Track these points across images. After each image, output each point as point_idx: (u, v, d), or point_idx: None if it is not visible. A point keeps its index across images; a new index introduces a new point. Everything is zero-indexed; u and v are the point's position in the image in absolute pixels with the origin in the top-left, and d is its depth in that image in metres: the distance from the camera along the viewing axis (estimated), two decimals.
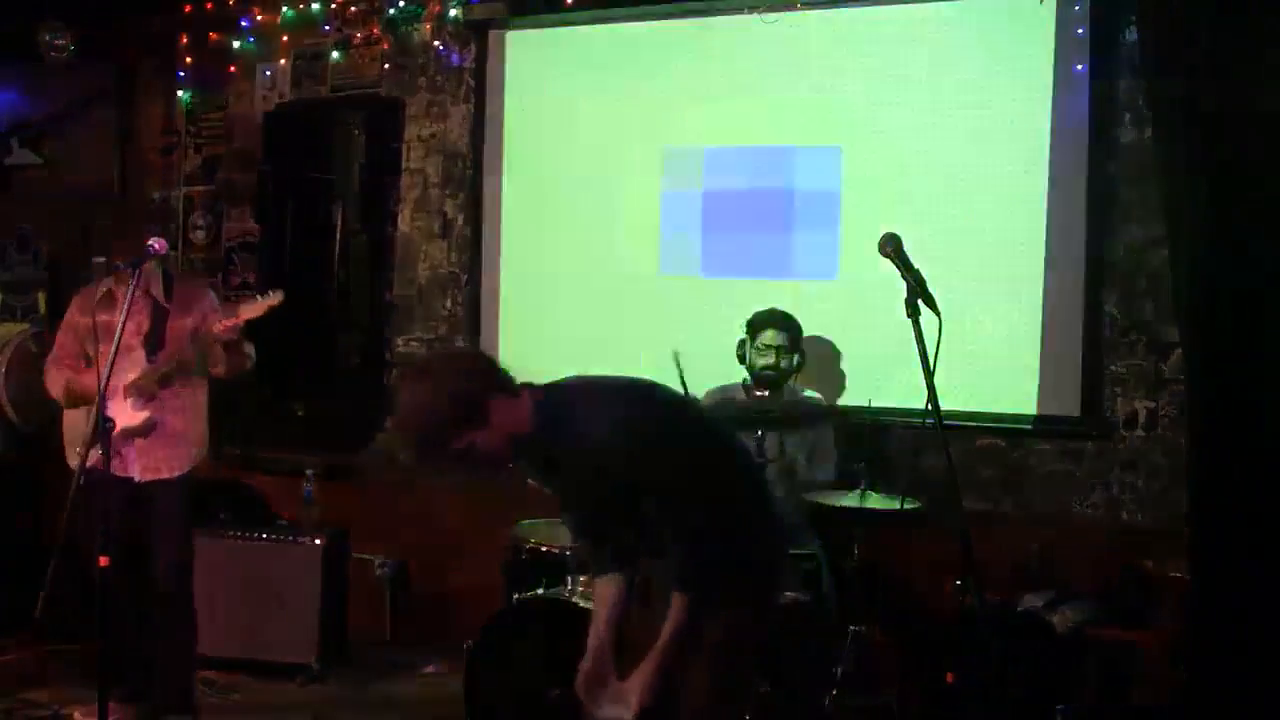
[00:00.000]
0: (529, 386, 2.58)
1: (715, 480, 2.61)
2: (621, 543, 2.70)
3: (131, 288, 3.35)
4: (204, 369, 3.97)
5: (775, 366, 4.30)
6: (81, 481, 3.68)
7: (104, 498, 3.40)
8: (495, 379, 2.53)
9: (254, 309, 3.85)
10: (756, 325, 4.35)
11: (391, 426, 2.55)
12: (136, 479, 3.97)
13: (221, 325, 3.82)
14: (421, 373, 2.62)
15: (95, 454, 3.78)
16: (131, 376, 3.91)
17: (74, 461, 3.90)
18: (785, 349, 4.32)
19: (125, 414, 3.89)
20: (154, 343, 3.96)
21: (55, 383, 4.07)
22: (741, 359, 4.39)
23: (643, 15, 5.07)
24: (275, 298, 3.88)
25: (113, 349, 3.37)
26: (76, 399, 3.99)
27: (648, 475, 2.54)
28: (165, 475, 4.01)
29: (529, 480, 2.82)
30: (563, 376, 2.69)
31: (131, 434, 3.93)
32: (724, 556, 2.57)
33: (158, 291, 4.03)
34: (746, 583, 2.67)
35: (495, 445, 2.49)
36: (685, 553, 2.54)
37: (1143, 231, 4.34)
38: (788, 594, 3.66)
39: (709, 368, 4.34)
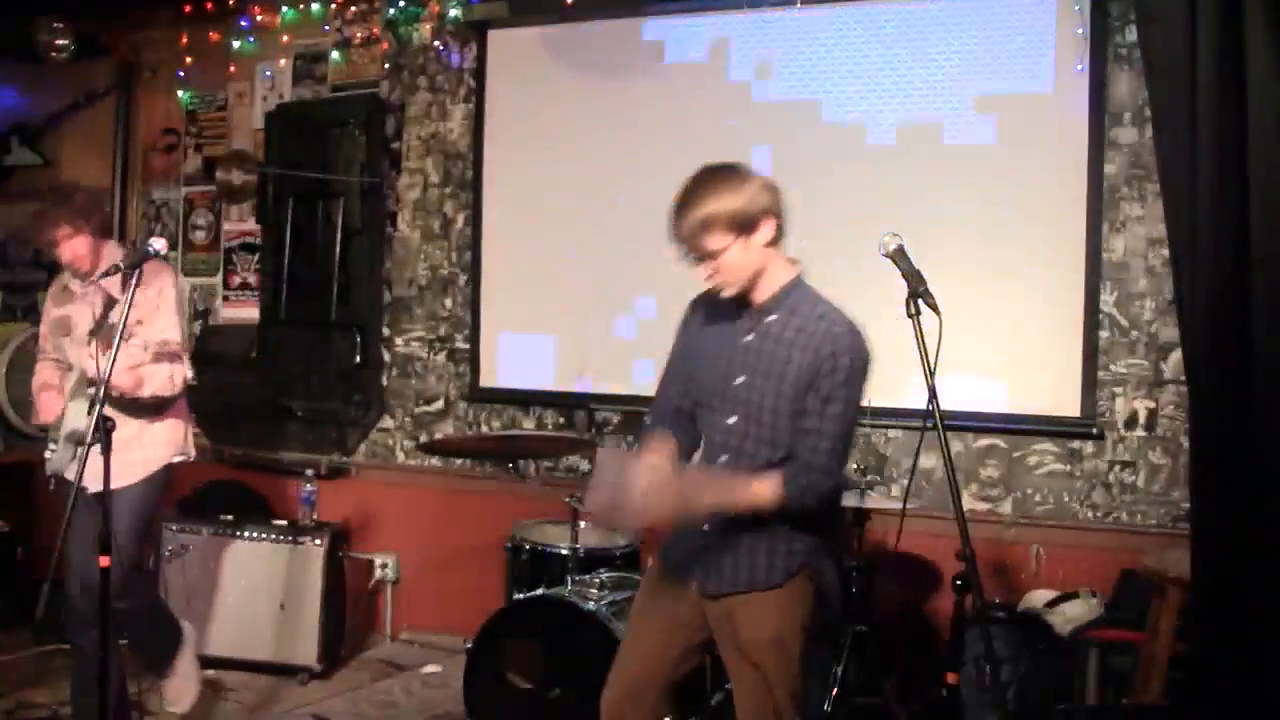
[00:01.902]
0: (796, 263, 2.76)
1: (849, 444, 2.71)
2: (746, 431, 2.67)
3: (131, 288, 3.32)
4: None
5: None
6: (52, 487, 3.72)
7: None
8: (779, 216, 2.67)
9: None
10: None
11: (682, 195, 2.64)
12: (89, 489, 3.42)
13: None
14: (728, 172, 2.66)
15: (56, 461, 3.74)
16: (89, 377, 3.71)
17: (48, 469, 3.79)
18: None
19: (74, 417, 3.73)
20: (102, 335, 3.71)
21: (35, 379, 3.95)
22: None
23: (643, 14, 5.07)
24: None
25: (114, 348, 3.35)
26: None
27: (840, 391, 2.60)
28: (116, 485, 3.45)
29: (699, 330, 2.84)
30: None
31: (79, 439, 3.63)
32: (826, 500, 2.68)
33: (111, 282, 3.71)
34: (821, 537, 2.74)
35: (740, 265, 2.62)
36: (813, 467, 2.59)
37: (1143, 231, 4.34)
38: None
39: None
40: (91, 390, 3.73)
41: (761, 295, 2.69)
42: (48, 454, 3.82)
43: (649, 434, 2.81)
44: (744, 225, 2.59)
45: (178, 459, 3.93)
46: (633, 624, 2.90)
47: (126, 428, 3.70)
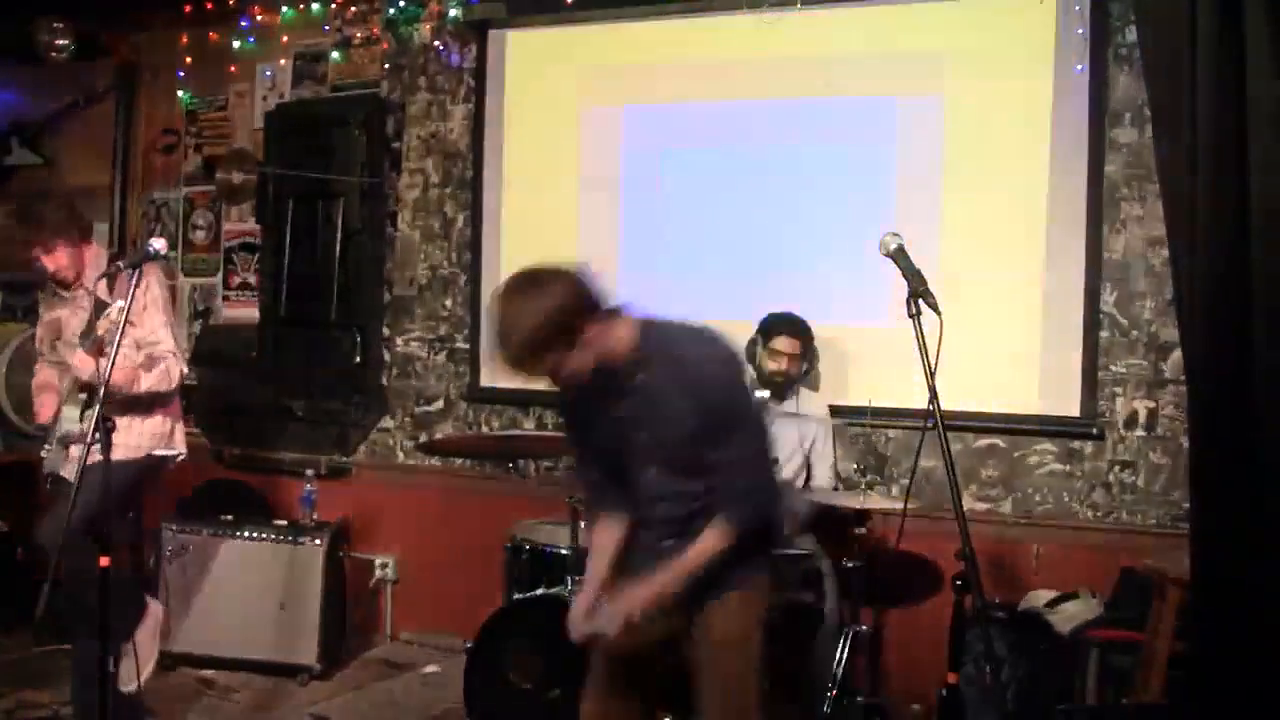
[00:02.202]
0: (625, 310, 2.67)
1: (766, 439, 2.80)
2: (671, 476, 2.71)
3: (131, 288, 3.32)
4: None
5: (784, 373, 4.27)
6: (49, 485, 3.73)
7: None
8: (593, 302, 2.58)
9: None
10: (771, 329, 4.29)
11: (493, 333, 2.58)
12: (71, 479, 3.64)
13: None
14: (524, 290, 2.54)
15: (52, 460, 3.78)
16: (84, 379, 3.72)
17: (44, 469, 3.84)
18: (797, 356, 4.29)
19: (68, 421, 3.77)
20: (92, 342, 3.72)
21: (35, 379, 3.98)
22: (750, 359, 4.30)
23: (642, 15, 5.07)
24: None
25: (114, 350, 3.34)
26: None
27: (732, 408, 2.65)
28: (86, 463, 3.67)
29: (574, 413, 2.85)
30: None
31: (73, 441, 3.76)
32: (769, 506, 2.78)
33: (100, 287, 3.76)
34: (769, 532, 2.82)
35: (582, 364, 2.57)
36: (743, 488, 2.67)
37: (1143, 231, 4.34)
38: (789, 594, 3.67)
39: None
40: (84, 395, 3.74)
41: (618, 362, 2.64)
42: (43, 453, 3.85)
43: (594, 515, 2.91)
44: (563, 337, 2.52)
45: (160, 452, 3.96)
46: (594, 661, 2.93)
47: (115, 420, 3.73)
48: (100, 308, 3.73)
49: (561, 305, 2.51)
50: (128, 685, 4.03)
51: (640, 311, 2.69)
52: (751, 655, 2.77)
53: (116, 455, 3.71)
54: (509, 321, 2.52)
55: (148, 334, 3.78)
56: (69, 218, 3.89)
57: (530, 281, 2.54)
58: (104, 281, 3.76)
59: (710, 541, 2.66)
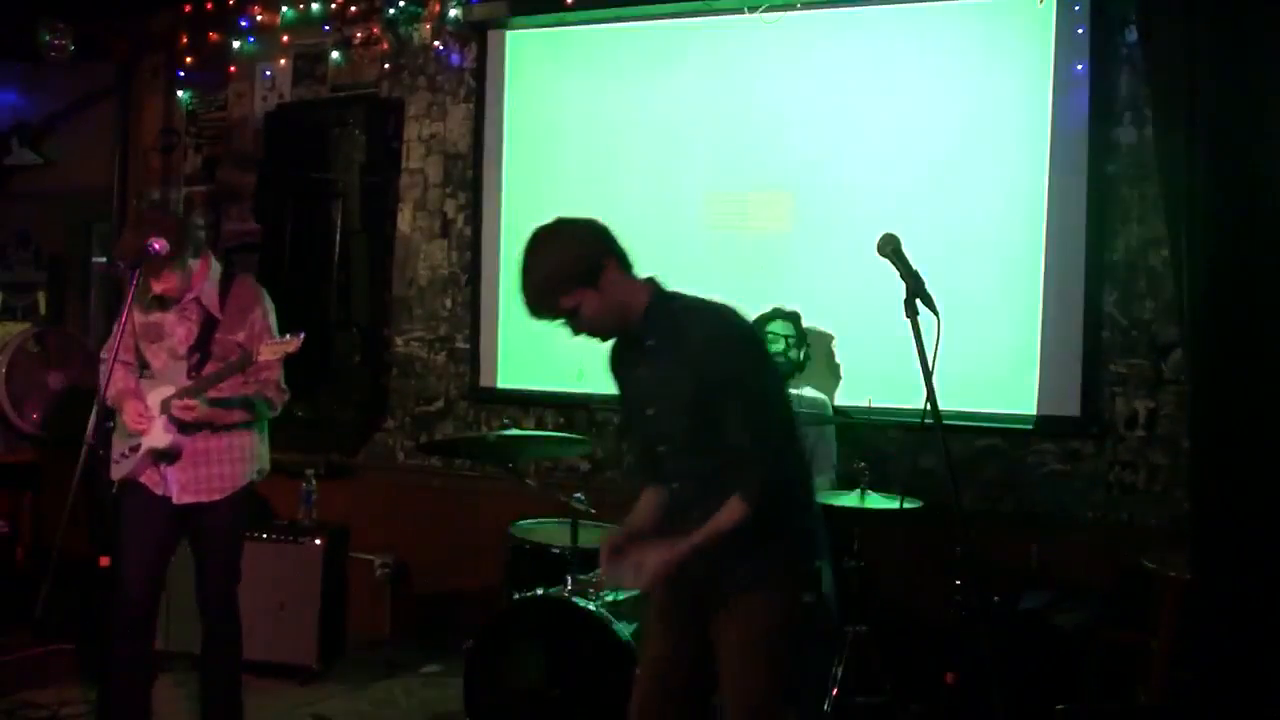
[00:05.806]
0: (650, 280, 2.71)
1: (790, 424, 2.75)
2: (679, 453, 2.69)
3: (131, 289, 3.32)
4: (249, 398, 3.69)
5: (785, 354, 4.31)
6: (115, 492, 3.62)
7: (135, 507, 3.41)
8: (616, 248, 2.67)
9: (271, 350, 3.56)
10: (763, 319, 4.37)
11: (520, 274, 2.65)
12: (174, 500, 3.61)
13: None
14: (551, 231, 2.68)
15: (129, 466, 3.64)
16: (169, 392, 3.57)
17: (114, 474, 3.70)
18: (794, 340, 4.35)
19: (156, 433, 3.58)
20: (200, 358, 3.63)
21: (111, 384, 3.62)
22: None
23: (642, 15, 5.07)
24: (293, 343, 3.57)
25: (111, 356, 3.34)
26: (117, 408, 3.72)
27: (741, 387, 2.59)
28: (205, 498, 3.64)
29: (614, 376, 2.83)
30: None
31: (158, 456, 3.60)
32: (787, 486, 2.66)
33: (211, 300, 3.65)
34: (793, 531, 2.72)
35: (602, 311, 2.62)
36: (756, 464, 2.58)
37: (1143, 231, 4.34)
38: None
39: None
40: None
41: (634, 324, 2.69)
42: (116, 459, 3.69)
43: (643, 489, 2.87)
44: (585, 275, 2.59)
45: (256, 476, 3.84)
46: (646, 634, 2.92)
47: (219, 441, 3.67)
48: (210, 322, 3.64)
49: (590, 243, 2.64)
50: None
51: (660, 283, 2.72)
52: (767, 660, 2.66)
53: (226, 487, 3.69)
54: (536, 253, 2.63)
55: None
56: (191, 232, 3.83)
57: (555, 224, 2.68)
58: (214, 295, 3.66)
59: (723, 519, 2.58)
